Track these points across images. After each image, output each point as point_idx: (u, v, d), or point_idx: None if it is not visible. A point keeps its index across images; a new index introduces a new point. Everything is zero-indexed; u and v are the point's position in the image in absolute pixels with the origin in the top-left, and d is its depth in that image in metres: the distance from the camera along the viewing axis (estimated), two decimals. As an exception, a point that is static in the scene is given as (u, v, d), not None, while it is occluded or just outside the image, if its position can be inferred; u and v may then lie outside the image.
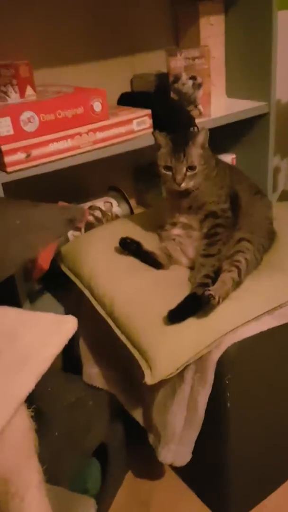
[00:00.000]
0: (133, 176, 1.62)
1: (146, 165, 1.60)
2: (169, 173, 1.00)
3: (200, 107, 1.34)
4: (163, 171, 1.00)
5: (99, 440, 1.14)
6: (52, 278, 1.26)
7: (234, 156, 1.59)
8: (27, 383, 0.63)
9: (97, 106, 1.12)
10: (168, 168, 1.00)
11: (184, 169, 0.98)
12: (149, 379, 0.88)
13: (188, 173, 0.99)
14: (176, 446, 1.02)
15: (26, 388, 0.63)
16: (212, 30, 1.44)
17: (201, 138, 1.00)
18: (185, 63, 1.28)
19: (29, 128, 1.01)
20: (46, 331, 0.73)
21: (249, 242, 1.00)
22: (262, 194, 1.14)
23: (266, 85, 1.41)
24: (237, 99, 1.51)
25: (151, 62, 1.47)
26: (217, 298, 0.88)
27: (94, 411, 1.13)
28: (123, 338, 0.96)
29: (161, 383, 0.93)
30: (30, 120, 1.01)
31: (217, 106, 1.42)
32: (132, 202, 1.61)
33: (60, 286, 1.26)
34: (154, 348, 0.89)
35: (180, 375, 0.94)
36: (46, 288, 1.31)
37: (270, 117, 1.44)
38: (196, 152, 1.00)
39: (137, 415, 1.11)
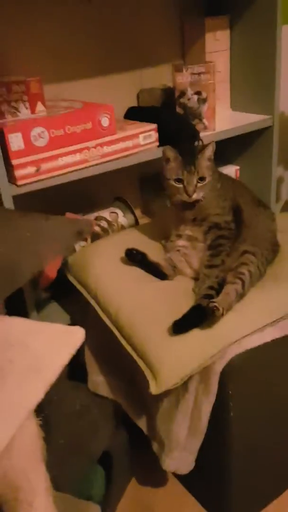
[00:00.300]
0: (139, 186, 1.65)
1: (152, 175, 1.63)
2: (180, 185, 1.03)
3: (205, 121, 1.37)
4: (174, 183, 1.03)
5: (104, 448, 1.16)
6: (59, 287, 1.28)
7: (238, 167, 1.61)
8: (37, 393, 0.65)
9: (105, 121, 1.15)
10: (179, 180, 1.03)
11: (195, 181, 1.02)
12: (154, 389, 0.90)
13: (199, 184, 1.02)
14: (180, 454, 1.03)
15: (36, 398, 0.65)
16: (218, 45, 1.48)
17: (209, 151, 1.04)
18: (190, 78, 1.32)
19: (40, 143, 1.04)
20: (55, 341, 0.75)
21: (253, 255, 1.02)
22: (264, 206, 1.16)
23: (270, 99, 1.44)
24: (241, 112, 1.54)
25: (158, 76, 1.51)
26: (221, 310, 0.90)
27: (98, 419, 1.15)
28: (128, 347, 0.98)
29: (166, 393, 0.95)
30: (40, 136, 1.04)
31: (222, 119, 1.45)
32: (138, 211, 1.64)
33: (66, 295, 1.29)
34: (159, 358, 0.91)
35: (184, 385, 0.96)
36: (53, 297, 1.34)
37: (274, 130, 1.47)
38: (204, 164, 1.03)
39: (142, 423, 1.12)
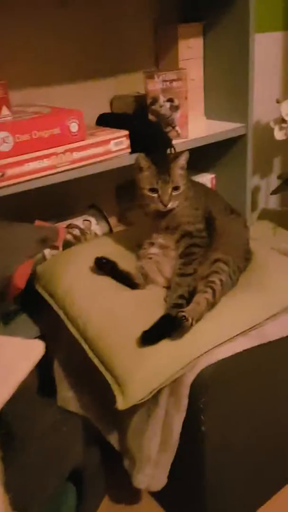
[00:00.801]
0: (115, 194, 1.62)
1: (129, 182, 1.60)
2: (155, 195, 1.01)
3: (177, 128, 1.35)
4: (148, 193, 1.01)
5: (74, 465, 1.11)
6: (28, 297, 1.24)
7: (213, 176, 1.60)
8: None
9: (74, 126, 1.12)
10: (153, 190, 1.00)
11: (170, 190, 1.00)
12: (120, 404, 0.87)
13: (174, 193, 1.01)
14: (152, 471, 0.99)
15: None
16: (191, 52, 1.47)
17: (183, 160, 1.03)
18: (162, 85, 1.30)
19: (4, 148, 1.01)
20: (12, 357, 0.71)
21: (225, 263, 1.00)
22: (237, 214, 1.14)
23: (244, 107, 1.44)
24: (215, 120, 1.53)
25: (132, 84, 1.49)
26: (190, 319, 0.87)
27: (68, 436, 1.11)
28: (96, 361, 0.94)
29: (136, 407, 0.92)
30: (5, 141, 1.00)
31: (196, 127, 1.44)
32: (114, 220, 1.61)
33: (36, 306, 1.25)
34: (126, 371, 0.87)
35: (154, 399, 0.92)
36: (21, 309, 1.29)
37: (248, 138, 1.46)
38: (178, 173, 1.02)
39: (113, 439, 1.08)
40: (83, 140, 1.14)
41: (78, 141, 1.13)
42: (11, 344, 0.73)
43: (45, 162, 1.08)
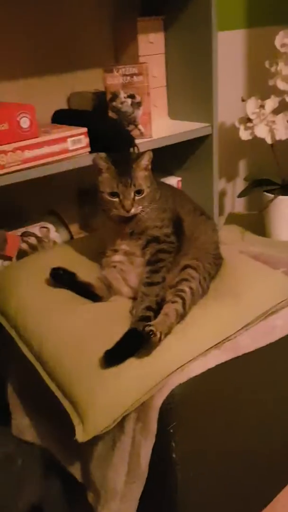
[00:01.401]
0: (77, 198, 1.51)
1: (92, 186, 1.50)
2: (116, 199, 0.91)
3: (140, 127, 1.27)
4: (108, 197, 0.91)
5: (32, 502, 0.99)
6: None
7: (179, 179, 1.53)
8: None
9: (25, 122, 1.01)
10: (114, 194, 0.90)
11: (132, 194, 0.90)
12: (80, 436, 0.76)
13: (137, 198, 0.91)
14: (118, 505, 0.89)
15: None
16: (152, 48, 1.39)
17: (145, 160, 0.93)
18: (122, 80, 1.21)
19: None
20: None
21: (195, 270, 0.91)
22: (206, 216, 1.06)
23: (208, 107, 1.37)
24: (179, 120, 1.46)
25: (90, 80, 1.40)
26: (158, 334, 0.77)
27: (24, 469, 0.99)
28: (52, 386, 0.83)
29: (99, 435, 0.81)
30: None
31: (159, 127, 1.36)
32: (76, 227, 1.51)
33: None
34: (86, 398, 0.76)
35: (120, 425, 0.82)
36: None
37: (213, 139, 1.40)
38: (141, 175, 0.93)
39: (75, 470, 0.97)
40: (35, 137, 1.03)
41: (30, 138, 1.02)
42: None
43: (-8, 161, 0.97)
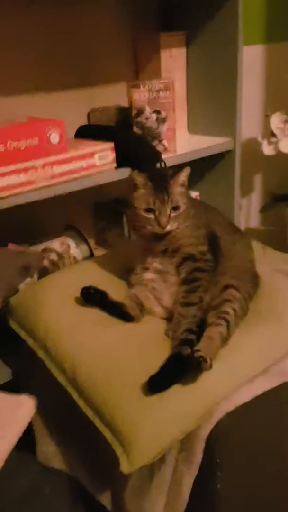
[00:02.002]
0: (92, 214, 1.48)
1: (107, 202, 1.47)
2: (151, 216, 0.88)
3: (164, 142, 1.24)
4: (144, 214, 0.88)
5: (59, 535, 0.93)
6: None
7: (197, 193, 1.50)
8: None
9: (54, 137, 0.98)
10: (149, 210, 0.87)
11: (169, 211, 0.87)
12: (126, 467, 0.71)
13: (173, 214, 0.88)
14: (154, 538, 0.84)
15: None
16: (173, 63, 1.38)
17: (183, 176, 0.91)
18: (148, 96, 1.19)
19: (-26, 159, 0.85)
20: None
21: (237, 290, 0.87)
22: (241, 233, 1.03)
23: (231, 121, 1.36)
24: (199, 135, 1.45)
25: (110, 96, 1.38)
26: (208, 360, 0.73)
27: (51, 499, 0.93)
28: (89, 413, 0.78)
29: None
30: (-25, 150, 0.85)
31: (180, 141, 1.34)
32: (92, 242, 1.47)
33: (7, 344, 1.07)
34: (131, 427, 0.72)
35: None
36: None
37: (236, 154, 1.38)
38: (178, 191, 0.89)
39: (105, 500, 0.92)
40: (64, 152, 1.00)
41: (59, 154, 0.99)
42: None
43: (22, 177, 0.94)
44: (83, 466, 0.94)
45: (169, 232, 0.91)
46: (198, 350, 0.74)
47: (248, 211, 1.88)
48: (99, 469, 0.93)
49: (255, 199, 1.85)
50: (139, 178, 0.89)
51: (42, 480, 0.95)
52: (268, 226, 1.87)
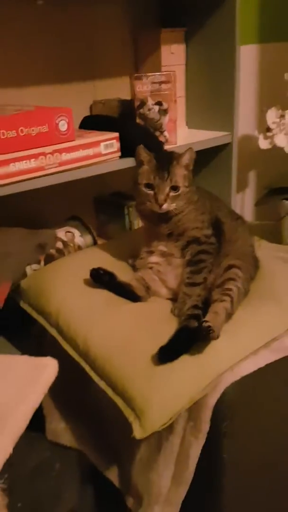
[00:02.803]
0: (93, 206, 1.52)
1: (108, 195, 1.51)
2: (151, 191, 0.91)
3: (166, 133, 1.29)
4: (144, 189, 0.92)
5: (69, 508, 0.96)
6: (6, 318, 1.09)
7: (194, 188, 1.54)
8: (4, 449, 0.49)
9: (63, 125, 1.02)
10: (149, 186, 0.91)
11: (167, 189, 0.91)
12: (138, 433, 0.75)
13: (171, 194, 0.91)
14: (161, 508, 0.87)
15: (3, 455, 0.48)
16: (173, 58, 1.42)
17: (186, 158, 0.94)
18: (151, 87, 1.24)
19: (-12, 144, 0.89)
20: (22, 380, 0.58)
21: (240, 269, 0.92)
22: (242, 220, 1.08)
23: (229, 116, 1.40)
24: (197, 129, 1.49)
25: (111, 89, 1.42)
26: (216, 330, 0.77)
27: (62, 475, 0.96)
28: (102, 384, 0.82)
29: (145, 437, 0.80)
30: (-11, 136, 0.88)
31: (179, 135, 1.38)
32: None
33: (15, 327, 1.10)
34: (143, 393, 0.76)
35: (169, 425, 0.81)
36: (-1, 331, 1.14)
37: (233, 148, 1.43)
38: (180, 172, 0.93)
39: (113, 475, 0.95)
40: (72, 140, 1.04)
41: (67, 142, 1.03)
42: (19, 364, 0.60)
43: (32, 163, 0.97)
44: (91, 441, 0.98)
45: (172, 215, 0.94)
46: (206, 321, 0.78)
47: (242, 205, 1.93)
48: (107, 446, 0.96)
49: (249, 194, 1.91)
50: (145, 154, 0.93)
51: (52, 457, 0.97)
52: (261, 220, 1.92)
